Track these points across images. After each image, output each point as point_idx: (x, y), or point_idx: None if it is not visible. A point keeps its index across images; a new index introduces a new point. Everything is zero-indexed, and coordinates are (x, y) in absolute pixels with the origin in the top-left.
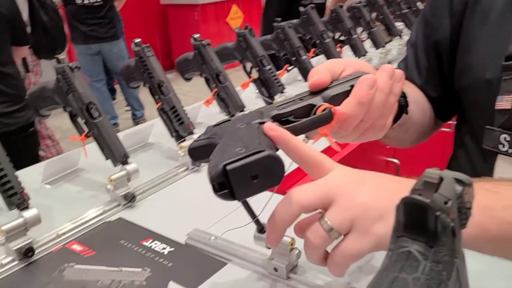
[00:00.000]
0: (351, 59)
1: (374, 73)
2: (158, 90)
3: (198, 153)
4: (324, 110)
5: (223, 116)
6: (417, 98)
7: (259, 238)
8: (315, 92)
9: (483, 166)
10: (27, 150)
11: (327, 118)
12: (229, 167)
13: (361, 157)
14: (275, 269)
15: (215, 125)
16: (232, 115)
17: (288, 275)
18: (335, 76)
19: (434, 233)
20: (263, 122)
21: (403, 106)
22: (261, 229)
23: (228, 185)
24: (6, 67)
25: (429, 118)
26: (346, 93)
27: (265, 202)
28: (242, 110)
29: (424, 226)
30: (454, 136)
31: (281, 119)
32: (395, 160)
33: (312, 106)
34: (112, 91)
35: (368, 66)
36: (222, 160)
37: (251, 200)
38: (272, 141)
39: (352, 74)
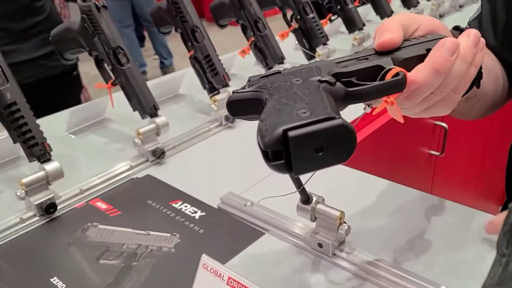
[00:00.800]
0: (428, 16)
1: (452, 37)
2: (191, 36)
3: (239, 108)
4: (396, 75)
5: (260, 69)
6: (491, 67)
7: (303, 209)
8: (382, 52)
9: None
10: (72, 93)
11: (400, 85)
12: (291, 133)
13: (407, 119)
14: (320, 245)
15: (262, 76)
16: (270, 68)
17: (333, 252)
18: (407, 34)
19: None
20: (325, 81)
21: (475, 79)
22: (307, 199)
23: (286, 154)
24: (45, 6)
25: (502, 88)
26: (420, 58)
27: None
28: (282, 63)
29: None
30: None
31: (341, 79)
32: (443, 124)
33: (380, 68)
34: (141, 38)
35: (446, 28)
36: (280, 122)
37: None
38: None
39: (428, 36)
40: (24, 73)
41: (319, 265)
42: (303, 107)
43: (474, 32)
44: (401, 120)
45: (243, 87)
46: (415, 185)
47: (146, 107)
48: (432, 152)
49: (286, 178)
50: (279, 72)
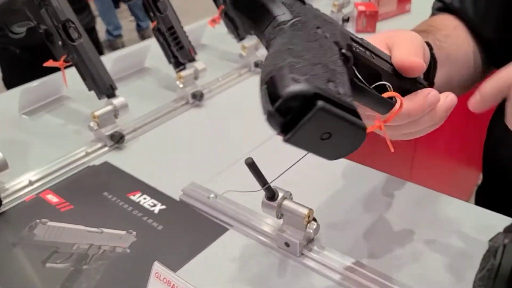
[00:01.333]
0: (405, 35)
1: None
2: (153, 6)
3: (247, 3)
4: (391, 98)
5: (232, 39)
6: (463, 55)
7: (268, 205)
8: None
9: None
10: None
11: (388, 108)
12: (321, 104)
13: None
14: (287, 244)
15: None
16: (242, 38)
17: (301, 252)
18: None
19: None
20: (346, 57)
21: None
22: (271, 196)
23: (295, 117)
24: None
25: (474, 70)
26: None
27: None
28: (253, 33)
29: None
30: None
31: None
32: None
33: (379, 76)
34: (116, 0)
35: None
36: (314, 80)
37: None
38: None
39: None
40: None
41: (286, 265)
42: (331, 77)
43: (451, 98)
44: (391, 149)
45: None
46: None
47: (102, 87)
48: None
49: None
50: (303, 2)
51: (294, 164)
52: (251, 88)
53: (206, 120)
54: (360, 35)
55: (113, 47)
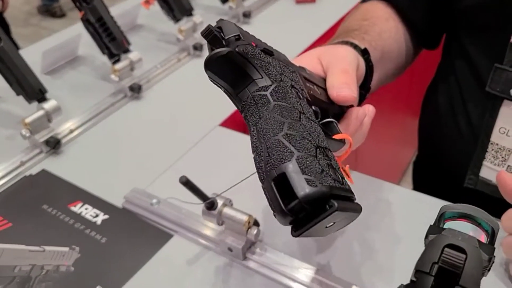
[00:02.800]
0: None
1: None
2: None
3: (222, 69)
4: (342, 140)
5: (168, 19)
6: (396, 48)
7: (209, 214)
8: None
9: (477, 111)
10: None
11: (337, 146)
12: (338, 206)
13: None
14: (230, 249)
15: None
16: (178, 20)
17: (245, 255)
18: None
19: None
20: (316, 112)
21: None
22: (210, 206)
23: (308, 215)
24: None
25: (406, 58)
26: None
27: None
28: (190, 15)
29: None
30: (439, 63)
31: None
32: None
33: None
34: None
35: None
36: (323, 179)
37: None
38: None
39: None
40: None
41: (231, 269)
42: (329, 160)
43: (371, 109)
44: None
45: (223, 39)
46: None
47: (30, 91)
48: None
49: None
50: (271, 54)
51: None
52: (191, 73)
53: (146, 114)
54: (300, 6)
55: (51, 12)
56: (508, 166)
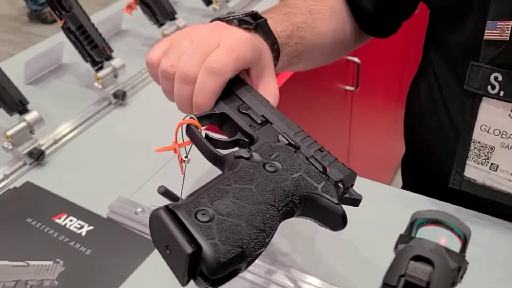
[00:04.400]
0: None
1: None
2: (57, 5)
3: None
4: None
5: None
6: (332, 41)
7: None
8: None
9: (458, 109)
10: None
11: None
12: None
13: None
14: None
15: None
16: (162, 24)
17: None
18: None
19: None
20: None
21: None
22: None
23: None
24: None
25: (346, 46)
26: None
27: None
28: (173, 19)
29: None
30: (421, 60)
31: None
32: (356, 59)
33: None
34: None
35: None
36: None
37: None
38: None
39: None
40: None
41: None
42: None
43: None
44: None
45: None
46: (334, 122)
47: (11, 104)
48: (347, 87)
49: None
50: (269, 122)
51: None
52: None
53: (132, 121)
54: None
55: (41, 19)
56: (492, 164)
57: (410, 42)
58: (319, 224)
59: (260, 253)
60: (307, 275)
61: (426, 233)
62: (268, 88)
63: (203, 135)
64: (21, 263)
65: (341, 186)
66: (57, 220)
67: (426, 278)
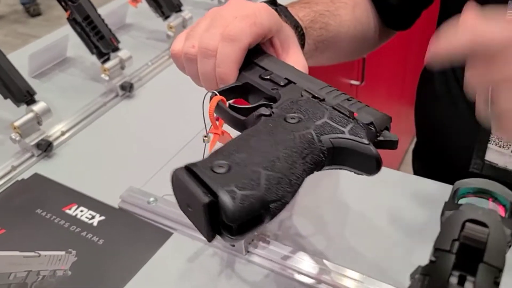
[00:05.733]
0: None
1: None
2: None
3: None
4: None
5: (156, 16)
6: (355, 35)
7: None
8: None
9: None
10: None
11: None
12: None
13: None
14: (232, 244)
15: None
16: (167, 17)
17: (247, 249)
18: None
19: None
20: None
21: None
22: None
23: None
24: None
25: (368, 31)
26: None
27: None
28: (179, 11)
29: None
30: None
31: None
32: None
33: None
34: None
35: None
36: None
37: None
38: None
39: None
40: None
41: (234, 264)
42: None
43: None
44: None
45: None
46: None
47: (18, 94)
48: (353, 82)
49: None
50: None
51: None
52: None
53: (139, 112)
54: None
55: (27, 11)
56: None
57: (413, 36)
58: (354, 172)
59: (285, 202)
60: (344, 268)
61: (470, 202)
62: (295, 58)
63: (228, 106)
64: (32, 253)
65: (373, 129)
66: (67, 211)
67: (484, 239)
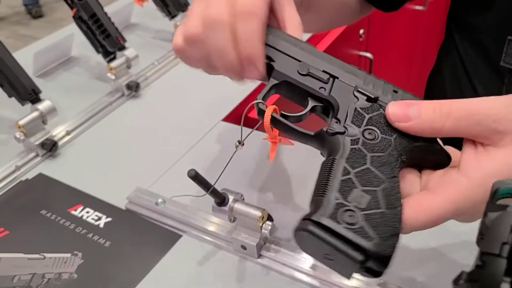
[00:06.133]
0: None
1: None
2: None
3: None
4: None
5: (162, 15)
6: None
7: (219, 210)
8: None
9: (486, 87)
10: None
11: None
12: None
13: (333, 53)
14: (243, 247)
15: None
16: (174, 16)
17: (259, 253)
18: None
19: None
20: None
21: None
22: (221, 201)
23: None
24: None
25: (351, 15)
26: None
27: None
28: (186, 10)
29: None
30: (441, 46)
31: None
32: (368, 55)
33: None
34: None
35: None
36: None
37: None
38: None
39: None
40: None
41: (245, 268)
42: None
43: None
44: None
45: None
46: None
47: (23, 92)
48: None
49: (199, 165)
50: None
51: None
52: (190, 68)
53: (146, 112)
54: None
55: (29, 12)
56: None
57: (419, 35)
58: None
59: None
60: None
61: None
62: (291, 16)
63: (280, 115)
64: (37, 255)
65: None
66: (73, 212)
67: None
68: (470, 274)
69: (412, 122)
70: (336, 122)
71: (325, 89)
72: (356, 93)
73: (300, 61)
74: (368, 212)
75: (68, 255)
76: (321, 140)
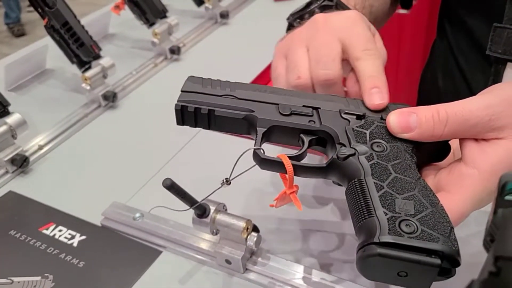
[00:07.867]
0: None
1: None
2: (39, 1)
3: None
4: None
5: (140, 24)
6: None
7: (200, 223)
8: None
9: (478, 78)
10: None
11: None
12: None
13: None
14: (228, 262)
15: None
16: (152, 24)
17: (245, 267)
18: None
19: None
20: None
21: None
22: (202, 212)
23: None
24: None
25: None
26: None
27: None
28: (164, 16)
29: None
30: (433, 43)
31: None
32: None
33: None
34: None
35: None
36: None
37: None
38: None
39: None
40: None
41: (231, 284)
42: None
43: None
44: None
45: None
46: None
47: None
48: None
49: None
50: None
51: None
52: (169, 78)
53: (123, 124)
54: (278, 4)
55: (14, 33)
56: None
57: (404, 37)
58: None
59: None
60: (349, 282)
61: None
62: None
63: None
64: (4, 280)
65: None
66: (44, 231)
67: None
68: (483, 283)
69: (414, 132)
70: (341, 147)
71: (314, 122)
72: (345, 116)
73: (277, 104)
74: (420, 216)
75: (38, 278)
76: (335, 168)
